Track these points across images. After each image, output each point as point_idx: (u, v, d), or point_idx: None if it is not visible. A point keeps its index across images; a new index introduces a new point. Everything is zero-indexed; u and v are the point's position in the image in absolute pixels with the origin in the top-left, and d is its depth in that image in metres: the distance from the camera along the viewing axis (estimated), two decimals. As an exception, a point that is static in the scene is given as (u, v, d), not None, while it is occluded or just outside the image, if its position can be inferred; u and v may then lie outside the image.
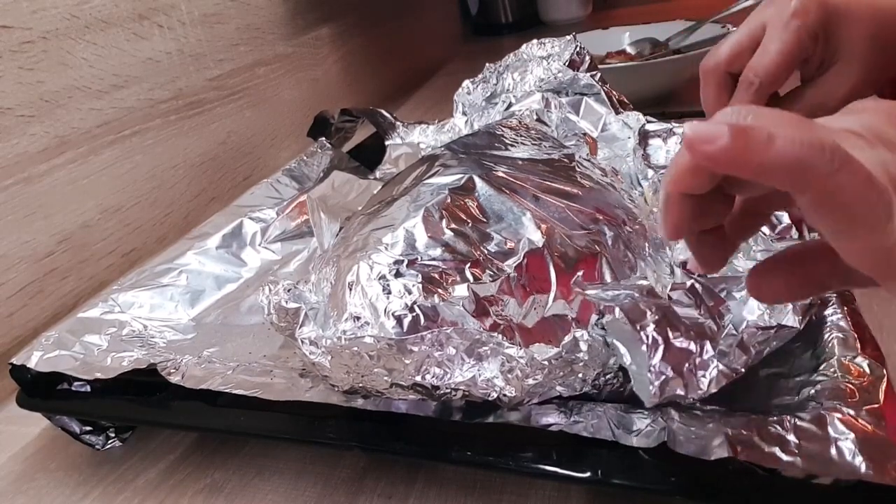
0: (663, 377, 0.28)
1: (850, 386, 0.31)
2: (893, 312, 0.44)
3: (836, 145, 0.19)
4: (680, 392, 0.29)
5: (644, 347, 0.29)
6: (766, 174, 0.19)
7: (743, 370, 0.30)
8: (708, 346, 0.30)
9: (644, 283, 0.33)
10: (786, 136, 0.19)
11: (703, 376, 0.29)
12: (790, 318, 0.34)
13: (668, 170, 0.24)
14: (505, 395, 0.33)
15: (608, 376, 0.33)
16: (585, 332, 0.32)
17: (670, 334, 0.29)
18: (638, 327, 0.29)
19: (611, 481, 0.31)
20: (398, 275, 0.37)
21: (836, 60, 0.36)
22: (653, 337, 0.29)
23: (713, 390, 0.29)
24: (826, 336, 0.35)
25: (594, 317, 0.33)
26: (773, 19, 0.37)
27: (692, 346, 0.29)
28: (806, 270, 0.25)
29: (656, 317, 0.29)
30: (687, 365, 0.29)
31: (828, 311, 0.36)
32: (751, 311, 0.33)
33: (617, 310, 0.30)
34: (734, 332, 0.32)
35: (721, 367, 0.29)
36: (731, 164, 0.19)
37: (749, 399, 0.35)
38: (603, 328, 0.32)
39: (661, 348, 0.29)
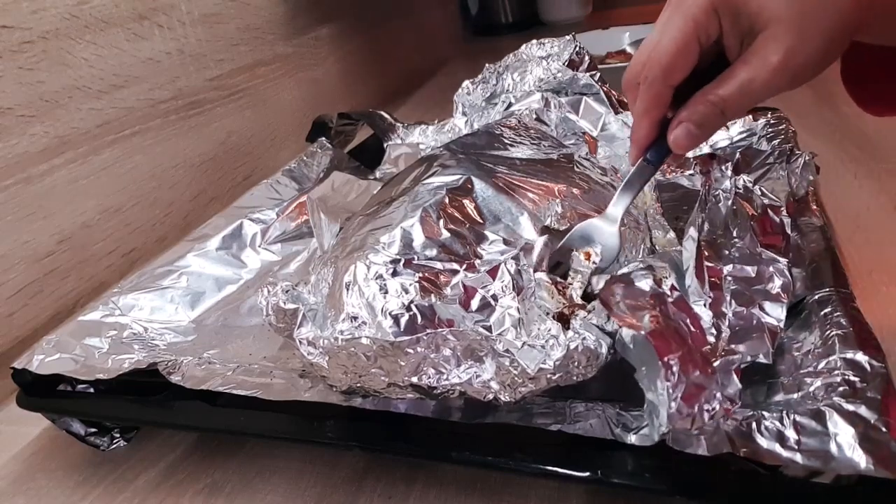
0: (678, 417, 0.28)
1: (850, 382, 0.31)
2: (893, 312, 0.44)
3: None
4: (687, 427, 0.29)
5: (669, 385, 0.29)
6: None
7: (738, 402, 0.30)
8: (715, 382, 0.30)
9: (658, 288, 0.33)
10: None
11: (708, 411, 0.29)
12: (776, 310, 0.35)
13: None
14: (500, 399, 0.33)
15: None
16: (580, 342, 0.32)
17: (690, 370, 0.29)
18: (665, 360, 0.29)
19: (611, 481, 0.31)
20: (395, 274, 0.37)
21: (759, 29, 0.32)
22: (678, 374, 0.29)
23: (711, 423, 0.30)
24: (827, 333, 0.35)
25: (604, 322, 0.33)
26: (669, 15, 0.35)
27: (706, 383, 0.29)
28: None
29: (680, 352, 0.29)
30: (699, 403, 0.29)
31: (828, 310, 0.36)
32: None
33: (644, 336, 0.30)
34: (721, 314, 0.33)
35: (723, 401, 0.30)
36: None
37: (748, 396, 0.35)
38: (613, 341, 0.32)
39: (683, 386, 0.29)
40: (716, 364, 0.31)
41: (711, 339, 0.32)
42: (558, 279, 0.37)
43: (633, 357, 0.31)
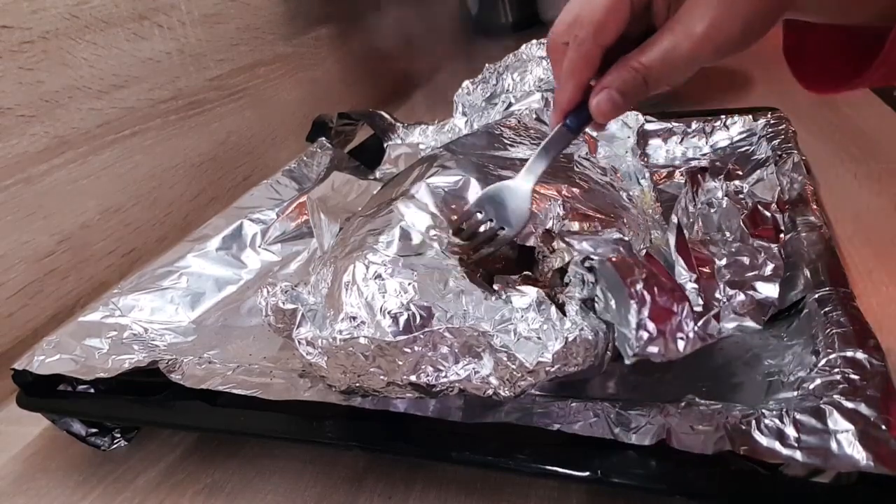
0: (647, 335, 0.28)
1: (850, 380, 0.31)
2: (893, 312, 0.44)
3: None
4: (657, 351, 0.29)
5: (633, 302, 0.29)
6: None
7: (716, 336, 0.30)
8: (686, 308, 0.30)
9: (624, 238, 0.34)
10: None
11: (681, 338, 0.29)
12: (769, 288, 0.35)
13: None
14: (499, 394, 0.33)
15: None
16: (579, 334, 0.32)
17: (656, 292, 0.29)
18: (628, 282, 0.29)
19: (611, 481, 0.31)
20: (394, 273, 0.37)
21: None
22: (641, 293, 0.29)
23: (686, 353, 0.30)
24: (826, 331, 0.35)
25: (578, 263, 0.34)
26: None
27: (675, 307, 0.30)
28: None
29: (644, 274, 0.30)
30: (669, 326, 0.29)
31: (828, 309, 0.36)
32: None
33: (607, 262, 0.31)
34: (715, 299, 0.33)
35: (696, 330, 0.30)
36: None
37: (748, 394, 0.35)
38: (590, 269, 0.33)
39: (647, 305, 0.29)
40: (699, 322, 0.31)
41: (698, 308, 0.32)
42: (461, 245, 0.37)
43: (606, 286, 0.32)
